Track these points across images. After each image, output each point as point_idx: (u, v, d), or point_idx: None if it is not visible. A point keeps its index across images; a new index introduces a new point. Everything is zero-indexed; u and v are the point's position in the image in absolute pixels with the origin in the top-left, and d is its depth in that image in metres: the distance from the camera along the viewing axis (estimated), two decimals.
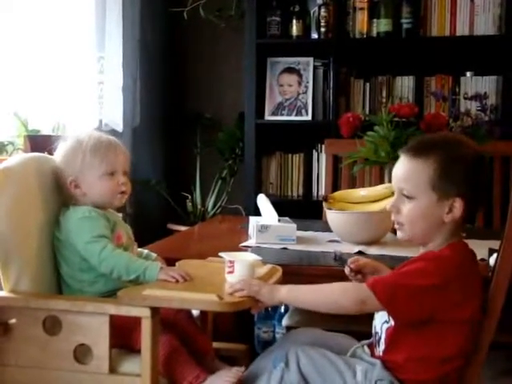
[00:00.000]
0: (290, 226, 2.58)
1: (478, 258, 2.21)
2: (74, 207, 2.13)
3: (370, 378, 1.81)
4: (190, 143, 4.73)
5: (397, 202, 1.84)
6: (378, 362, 1.84)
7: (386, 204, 2.46)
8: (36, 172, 2.15)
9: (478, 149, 1.85)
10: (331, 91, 4.23)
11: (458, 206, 1.77)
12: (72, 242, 2.07)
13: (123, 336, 2.00)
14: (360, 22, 4.20)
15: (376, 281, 1.76)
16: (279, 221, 2.64)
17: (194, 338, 2.18)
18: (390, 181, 3.03)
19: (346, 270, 2.01)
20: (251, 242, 2.56)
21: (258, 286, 1.83)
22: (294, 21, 4.25)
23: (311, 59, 4.34)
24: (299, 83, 4.35)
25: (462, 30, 4.11)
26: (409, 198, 1.81)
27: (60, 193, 2.18)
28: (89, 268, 2.06)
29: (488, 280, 1.85)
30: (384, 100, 4.23)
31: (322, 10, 4.18)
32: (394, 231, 2.59)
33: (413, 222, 1.82)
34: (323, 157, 4.19)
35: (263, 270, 2.02)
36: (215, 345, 2.40)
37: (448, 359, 1.78)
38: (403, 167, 1.84)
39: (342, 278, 2.11)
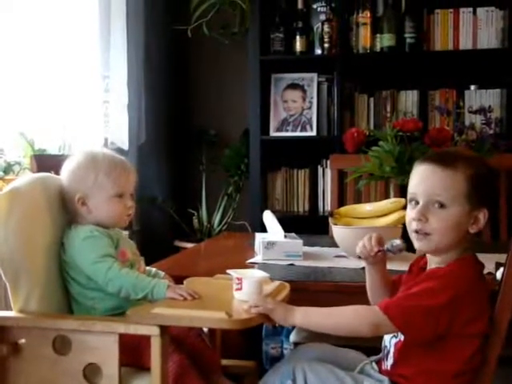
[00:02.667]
0: (296, 242, 2.59)
1: (485, 271, 2.22)
2: (76, 227, 2.12)
3: None
4: (195, 160, 4.74)
5: (425, 211, 1.80)
6: (385, 379, 1.84)
7: (395, 216, 2.50)
8: (43, 192, 2.15)
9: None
10: (335, 106, 4.24)
11: (483, 217, 1.79)
12: (77, 263, 2.07)
13: (133, 354, 2.01)
14: (363, 37, 4.21)
15: (388, 304, 1.76)
16: (285, 237, 2.65)
17: (202, 354, 2.18)
18: (395, 195, 3.05)
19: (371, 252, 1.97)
20: (258, 258, 2.56)
21: (273, 304, 1.83)
22: (298, 37, 4.27)
23: (315, 75, 4.35)
24: (303, 99, 4.36)
25: (465, 43, 4.13)
26: (442, 206, 1.79)
27: (67, 212, 2.18)
28: (98, 285, 2.05)
29: (495, 294, 1.85)
30: (388, 115, 4.23)
31: (326, 25, 4.20)
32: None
33: (442, 231, 1.80)
34: (328, 172, 4.19)
35: (271, 286, 2.02)
36: (224, 362, 2.40)
37: (459, 373, 1.79)
38: (434, 176, 1.81)
39: (349, 293, 2.12)
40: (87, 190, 2.12)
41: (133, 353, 2.00)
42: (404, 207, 2.55)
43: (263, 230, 2.89)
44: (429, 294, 1.73)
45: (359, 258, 2.01)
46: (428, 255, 1.89)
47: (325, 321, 1.82)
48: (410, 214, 1.85)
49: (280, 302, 1.87)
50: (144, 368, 1.97)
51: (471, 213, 1.79)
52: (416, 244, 1.86)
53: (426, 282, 1.76)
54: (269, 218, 2.87)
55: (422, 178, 1.84)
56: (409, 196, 1.87)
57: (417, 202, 1.83)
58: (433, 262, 1.87)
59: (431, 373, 1.79)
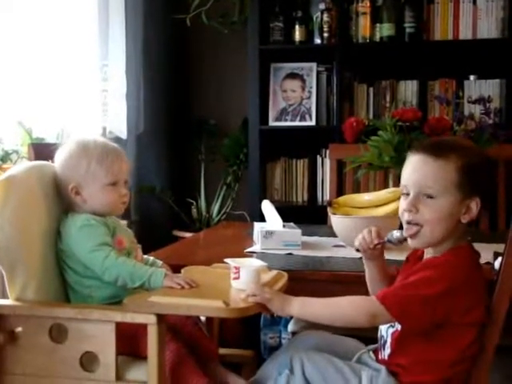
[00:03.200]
0: (294, 232, 2.59)
1: (483, 261, 2.22)
2: (73, 215, 2.11)
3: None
4: (194, 150, 4.73)
5: (416, 202, 1.80)
6: (382, 368, 1.84)
7: (393, 206, 2.49)
8: (40, 180, 2.14)
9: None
10: (335, 96, 4.24)
11: (475, 206, 1.78)
12: (74, 251, 2.06)
13: (130, 343, 2.00)
14: (363, 26, 4.20)
15: (385, 294, 1.75)
16: (284, 226, 2.64)
17: (199, 343, 2.18)
18: (394, 185, 3.05)
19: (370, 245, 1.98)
20: (256, 247, 2.56)
21: (271, 294, 1.82)
22: (297, 26, 4.26)
23: (314, 64, 4.34)
24: (303, 88, 4.35)
25: (465, 33, 4.12)
26: (432, 197, 1.79)
27: (63, 200, 2.17)
28: (95, 274, 2.05)
29: (493, 283, 1.85)
30: (388, 104, 4.23)
31: (325, 15, 4.19)
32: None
33: (434, 221, 1.80)
34: (327, 162, 4.19)
35: (269, 275, 2.02)
36: (222, 351, 2.40)
37: (456, 362, 1.79)
38: (425, 166, 1.81)
39: (348, 283, 2.12)
40: (80, 178, 2.11)
41: (130, 341, 2.00)
42: None
43: (262, 219, 2.88)
44: (425, 284, 1.73)
45: (357, 251, 2.00)
46: None
47: (322, 311, 1.81)
48: (402, 204, 1.85)
49: (278, 292, 1.87)
50: (141, 357, 1.97)
51: (463, 202, 1.79)
52: (409, 241, 1.86)
53: (423, 272, 1.76)
54: (267, 207, 2.86)
55: (414, 168, 1.83)
56: (401, 186, 1.86)
57: (408, 193, 1.82)
58: (429, 252, 1.87)
59: (428, 362, 1.79)
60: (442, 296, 1.71)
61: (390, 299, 1.73)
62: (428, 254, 1.87)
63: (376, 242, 1.95)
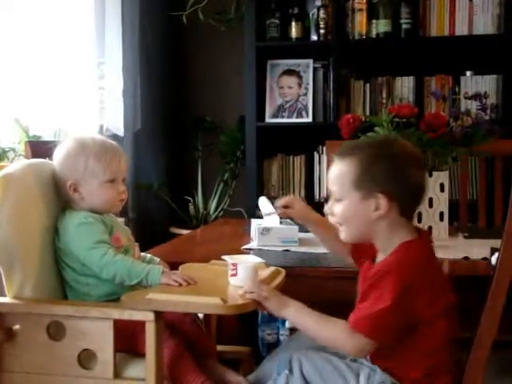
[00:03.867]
0: (291, 228, 2.59)
1: (481, 257, 2.23)
2: (70, 213, 2.11)
3: (372, 381, 1.81)
4: (191, 147, 4.74)
5: (331, 205, 1.88)
6: (376, 367, 1.84)
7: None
8: (37, 177, 2.14)
9: (411, 149, 1.86)
10: (331, 93, 4.24)
11: (383, 202, 1.78)
12: (72, 249, 2.06)
13: (128, 340, 2.01)
14: (359, 23, 4.20)
15: (365, 328, 1.73)
16: (281, 223, 2.65)
17: (197, 340, 2.18)
18: None
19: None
20: (253, 244, 2.56)
21: (268, 293, 1.83)
22: (293, 23, 4.26)
23: (311, 61, 4.35)
24: (299, 85, 4.35)
25: (461, 29, 4.12)
26: (339, 200, 1.85)
27: (61, 197, 2.17)
28: (92, 272, 2.05)
29: (490, 279, 1.85)
30: (384, 101, 4.23)
31: (321, 11, 4.19)
32: None
33: (345, 222, 1.86)
34: (324, 158, 4.19)
35: (266, 272, 2.02)
36: (219, 348, 2.40)
37: (431, 352, 1.80)
38: (332, 170, 1.87)
39: (344, 279, 2.12)
40: (79, 176, 2.11)
41: (128, 339, 2.00)
42: None
43: (259, 216, 2.88)
44: (383, 296, 1.72)
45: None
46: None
47: (314, 327, 1.81)
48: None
49: (276, 292, 1.86)
50: (139, 354, 1.97)
51: (366, 200, 1.80)
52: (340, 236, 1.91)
53: (379, 283, 1.75)
54: (264, 204, 2.86)
55: (329, 173, 1.89)
56: None
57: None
58: (380, 251, 1.88)
59: (407, 360, 1.80)
60: (401, 300, 1.71)
61: (367, 331, 1.72)
62: (379, 253, 1.88)
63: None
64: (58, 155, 2.16)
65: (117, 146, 2.20)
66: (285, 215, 2.25)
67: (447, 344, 1.83)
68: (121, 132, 4.05)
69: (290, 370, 1.87)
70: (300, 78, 4.36)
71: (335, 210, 1.86)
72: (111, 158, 2.13)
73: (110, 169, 2.12)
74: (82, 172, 2.11)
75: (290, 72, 4.38)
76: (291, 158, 4.43)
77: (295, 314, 1.82)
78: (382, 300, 1.72)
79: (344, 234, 1.89)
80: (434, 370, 1.81)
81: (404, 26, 4.12)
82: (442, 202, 2.65)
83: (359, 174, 1.80)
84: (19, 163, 2.20)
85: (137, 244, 2.24)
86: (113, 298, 2.05)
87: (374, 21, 4.17)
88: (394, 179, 1.79)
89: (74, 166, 2.12)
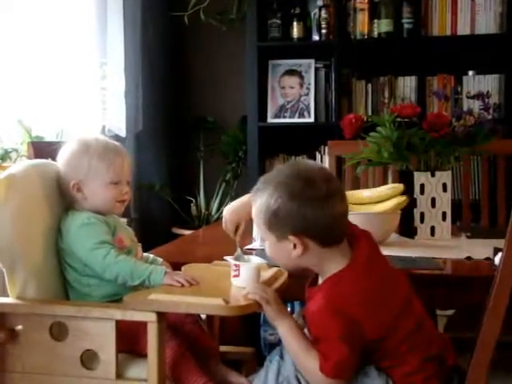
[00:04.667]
0: None
1: (484, 257, 2.23)
2: (73, 213, 2.12)
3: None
4: (193, 147, 4.73)
5: (262, 242, 1.93)
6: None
7: (393, 202, 2.50)
8: (40, 178, 2.14)
9: (319, 177, 1.79)
10: (333, 93, 4.24)
11: (297, 243, 1.76)
12: (74, 250, 2.07)
13: (130, 341, 2.01)
14: (361, 22, 4.20)
15: (322, 369, 1.73)
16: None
17: (199, 341, 2.18)
18: (393, 181, 3.05)
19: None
20: (255, 244, 2.55)
21: (271, 298, 1.82)
22: (295, 23, 4.25)
23: (312, 61, 4.34)
24: (301, 85, 4.35)
25: (463, 29, 4.11)
26: (263, 238, 1.87)
27: (64, 198, 2.18)
28: (94, 272, 2.05)
29: (493, 279, 1.85)
30: (386, 100, 4.23)
31: (323, 11, 4.19)
32: (400, 232, 2.62)
33: (274, 259, 1.88)
34: (326, 158, 4.18)
35: (268, 273, 2.02)
36: (221, 348, 2.40)
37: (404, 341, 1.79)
38: (252, 210, 1.85)
39: None
40: (82, 176, 2.12)
41: (129, 339, 2.00)
42: (402, 193, 2.55)
43: None
44: (329, 339, 1.72)
45: None
46: None
47: (294, 351, 1.80)
48: None
49: (278, 300, 1.84)
50: (141, 354, 1.97)
51: (281, 242, 1.79)
52: None
53: (319, 330, 1.75)
54: None
55: None
56: None
57: None
58: (320, 277, 1.86)
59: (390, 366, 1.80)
60: (348, 329, 1.71)
61: (332, 373, 1.72)
62: (320, 279, 1.87)
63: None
64: (62, 156, 2.17)
65: (120, 147, 2.20)
66: (241, 242, 2.28)
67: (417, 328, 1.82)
68: (123, 132, 4.05)
69: (281, 357, 1.87)
70: (302, 78, 4.36)
71: (265, 248, 1.87)
72: (114, 158, 2.13)
73: (113, 169, 2.12)
74: (85, 172, 2.12)
75: (291, 72, 4.37)
76: (293, 158, 4.43)
77: (286, 330, 1.81)
78: (331, 341, 1.71)
79: (283, 268, 1.95)
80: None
81: (406, 26, 4.12)
82: (444, 201, 2.65)
83: (267, 216, 1.78)
84: (22, 164, 2.20)
85: (139, 244, 2.24)
86: (114, 299, 2.05)
87: (375, 20, 4.17)
88: (301, 219, 1.75)
89: (78, 166, 2.13)
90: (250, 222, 2.33)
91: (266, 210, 1.78)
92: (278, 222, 1.77)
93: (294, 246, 1.77)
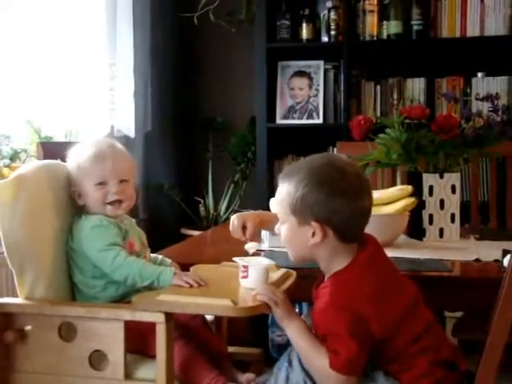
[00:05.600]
0: None
1: (492, 259, 2.22)
2: (87, 216, 2.13)
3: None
4: (202, 148, 4.74)
5: (280, 225, 1.89)
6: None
7: (402, 203, 2.50)
8: (50, 179, 2.15)
9: (351, 172, 1.81)
10: (342, 94, 4.23)
11: (318, 231, 1.78)
12: (84, 250, 2.07)
13: (138, 342, 2.01)
14: (370, 24, 4.19)
15: (332, 365, 1.73)
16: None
17: (209, 344, 2.18)
18: (402, 183, 3.05)
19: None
20: (264, 246, 2.56)
21: (280, 300, 1.82)
22: (304, 24, 4.25)
23: (322, 62, 4.34)
24: (310, 86, 4.35)
25: (472, 30, 4.10)
26: (281, 222, 1.87)
27: (72, 199, 2.19)
28: (101, 275, 2.07)
29: (502, 281, 1.85)
30: (395, 102, 4.22)
31: (332, 13, 4.19)
32: (408, 233, 2.62)
33: (287, 244, 1.88)
34: None
35: (277, 274, 2.02)
36: (230, 349, 2.40)
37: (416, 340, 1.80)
38: (277, 191, 1.88)
39: None
40: (77, 182, 2.15)
41: (138, 340, 2.01)
42: (411, 194, 2.55)
43: None
44: (338, 336, 1.72)
45: None
46: None
47: (302, 351, 1.81)
48: None
49: (287, 302, 1.85)
50: (149, 355, 1.98)
51: (301, 227, 1.81)
52: None
53: (326, 327, 1.76)
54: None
55: None
56: None
57: None
58: (325, 274, 1.88)
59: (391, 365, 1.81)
60: (356, 325, 1.72)
61: (342, 369, 1.72)
62: (325, 274, 1.88)
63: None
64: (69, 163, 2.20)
65: (109, 148, 2.18)
66: (251, 239, 2.26)
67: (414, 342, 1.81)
68: (132, 133, 4.06)
69: (290, 363, 1.88)
70: (311, 79, 4.36)
71: (281, 232, 1.88)
72: (95, 161, 2.13)
73: (95, 171, 2.12)
74: (76, 177, 2.15)
75: (300, 73, 4.37)
76: (302, 159, 4.41)
77: (294, 330, 1.81)
78: (339, 337, 1.72)
79: (289, 255, 1.92)
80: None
81: (415, 28, 4.11)
82: (453, 203, 2.65)
83: (294, 200, 1.80)
84: (32, 164, 2.20)
85: (148, 249, 2.25)
86: (120, 302, 2.07)
87: (384, 22, 4.16)
88: (327, 208, 1.77)
89: (72, 173, 2.16)
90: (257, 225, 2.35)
91: (294, 193, 1.80)
92: (303, 207, 1.78)
93: (313, 234, 1.78)
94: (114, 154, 2.18)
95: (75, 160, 2.16)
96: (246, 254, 2.18)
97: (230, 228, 2.28)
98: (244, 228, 2.25)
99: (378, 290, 1.79)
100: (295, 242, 1.85)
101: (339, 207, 1.77)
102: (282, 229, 1.87)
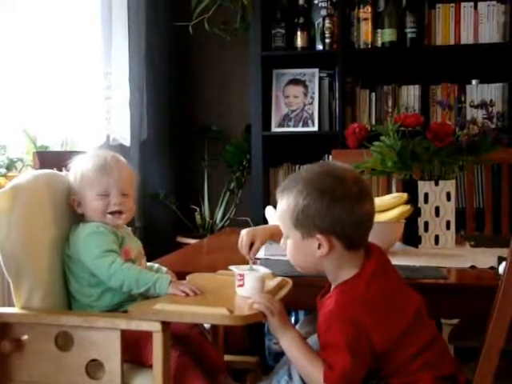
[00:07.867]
0: None
1: (488, 266, 2.23)
2: (84, 224, 2.14)
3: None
4: (197, 156, 4.75)
5: (284, 241, 1.89)
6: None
7: (398, 211, 2.50)
8: (46, 189, 2.15)
9: (350, 178, 1.81)
10: (337, 102, 4.24)
11: (324, 242, 1.77)
12: (81, 257, 2.08)
13: (135, 351, 2.01)
14: (364, 32, 4.21)
15: (327, 379, 1.73)
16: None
17: (206, 355, 2.18)
18: (397, 190, 3.06)
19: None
20: (260, 254, 2.56)
21: (275, 310, 1.82)
22: (299, 32, 4.26)
23: (316, 70, 4.35)
24: (305, 94, 4.36)
25: (466, 38, 4.12)
26: (285, 237, 1.87)
27: (70, 209, 2.19)
28: (97, 283, 2.07)
29: (498, 288, 1.85)
30: (390, 110, 4.24)
31: (327, 21, 4.20)
32: (404, 241, 2.62)
33: (294, 259, 1.87)
34: None
35: (273, 282, 2.02)
36: (226, 358, 2.40)
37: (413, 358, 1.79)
38: (277, 207, 1.88)
39: None
40: (77, 191, 2.16)
41: (134, 349, 2.01)
42: (406, 202, 2.56)
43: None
44: (337, 348, 1.72)
45: None
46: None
47: (297, 361, 1.81)
48: None
49: (283, 312, 1.85)
50: (145, 364, 1.98)
51: (306, 239, 1.80)
52: None
53: (327, 338, 1.76)
54: (271, 213, 2.86)
55: None
56: None
57: None
58: (332, 283, 1.88)
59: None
60: (355, 339, 1.72)
61: (336, 382, 1.73)
62: (332, 284, 1.88)
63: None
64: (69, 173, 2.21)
65: (110, 159, 2.19)
66: (255, 253, 2.27)
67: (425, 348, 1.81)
68: (127, 142, 4.06)
69: (290, 377, 1.88)
70: (306, 87, 4.37)
71: (286, 247, 1.87)
72: (98, 173, 2.15)
73: (97, 183, 2.14)
74: (77, 187, 2.16)
75: (295, 81, 4.38)
76: (297, 167, 4.44)
77: (289, 341, 1.81)
78: (337, 349, 1.72)
79: (298, 269, 1.91)
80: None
81: (409, 35, 4.12)
82: (448, 210, 2.66)
83: (295, 213, 1.79)
84: (29, 174, 2.20)
85: (144, 258, 2.25)
86: (116, 310, 2.07)
87: (379, 30, 4.18)
88: (330, 217, 1.76)
89: (73, 182, 2.17)
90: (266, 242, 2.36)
91: (294, 206, 1.79)
92: (306, 219, 1.78)
93: (319, 246, 1.78)
94: (119, 166, 2.19)
95: (78, 169, 2.17)
96: (243, 262, 2.18)
97: (239, 243, 2.27)
98: (252, 245, 2.25)
99: (383, 302, 1.78)
100: (301, 257, 1.84)
101: (342, 215, 1.76)
102: (287, 244, 1.86)
